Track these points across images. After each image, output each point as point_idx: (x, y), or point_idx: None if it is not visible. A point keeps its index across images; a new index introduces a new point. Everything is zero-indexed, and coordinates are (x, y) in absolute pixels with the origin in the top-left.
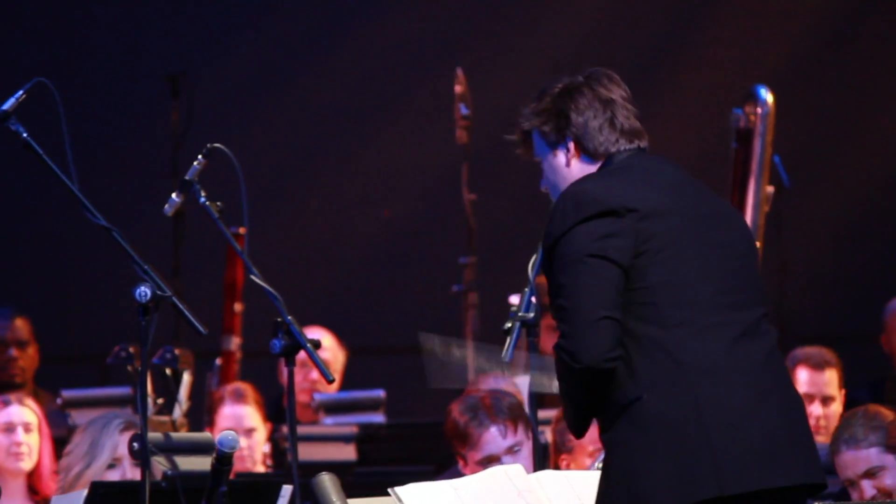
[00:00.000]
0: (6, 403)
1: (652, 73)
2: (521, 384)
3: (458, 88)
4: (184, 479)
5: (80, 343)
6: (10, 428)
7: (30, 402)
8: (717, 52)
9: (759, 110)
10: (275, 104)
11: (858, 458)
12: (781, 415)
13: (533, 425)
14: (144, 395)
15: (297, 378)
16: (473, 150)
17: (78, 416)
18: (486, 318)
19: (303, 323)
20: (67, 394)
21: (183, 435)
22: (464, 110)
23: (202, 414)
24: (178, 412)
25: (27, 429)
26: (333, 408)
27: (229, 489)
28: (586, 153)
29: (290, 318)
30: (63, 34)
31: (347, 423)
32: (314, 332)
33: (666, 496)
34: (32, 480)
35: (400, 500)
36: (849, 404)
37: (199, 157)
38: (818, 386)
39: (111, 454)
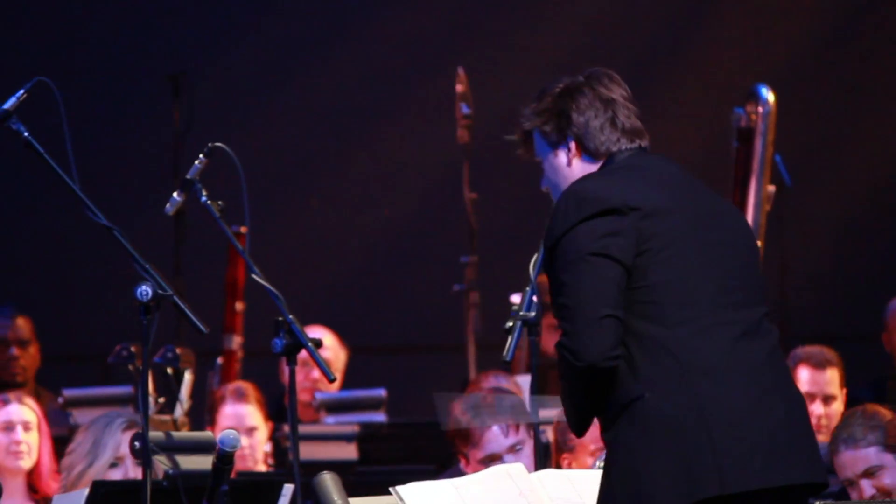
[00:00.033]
0: (5, 402)
1: (653, 72)
2: (523, 383)
3: (459, 87)
4: (185, 479)
5: (81, 342)
6: (9, 426)
7: (29, 400)
8: (718, 52)
9: (760, 109)
10: (276, 103)
11: (857, 458)
12: (783, 414)
13: (534, 424)
14: (146, 395)
15: (299, 377)
16: (474, 149)
17: (79, 415)
18: (487, 317)
19: (304, 322)
20: (69, 393)
21: (184, 434)
22: (465, 109)
23: (203, 413)
24: (180, 411)
25: (26, 427)
26: (335, 407)
27: (230, 488)
28: (587, 153)
29: (291, 317)
30: (64, 33)
31: (349, 422)
32: (315, 331)
33: (667, 495)
34: (32, 479)
35: (401, 499)
36: (850, 403)
37: (201, 156)
38: (819, 385)
39: (114, 453)
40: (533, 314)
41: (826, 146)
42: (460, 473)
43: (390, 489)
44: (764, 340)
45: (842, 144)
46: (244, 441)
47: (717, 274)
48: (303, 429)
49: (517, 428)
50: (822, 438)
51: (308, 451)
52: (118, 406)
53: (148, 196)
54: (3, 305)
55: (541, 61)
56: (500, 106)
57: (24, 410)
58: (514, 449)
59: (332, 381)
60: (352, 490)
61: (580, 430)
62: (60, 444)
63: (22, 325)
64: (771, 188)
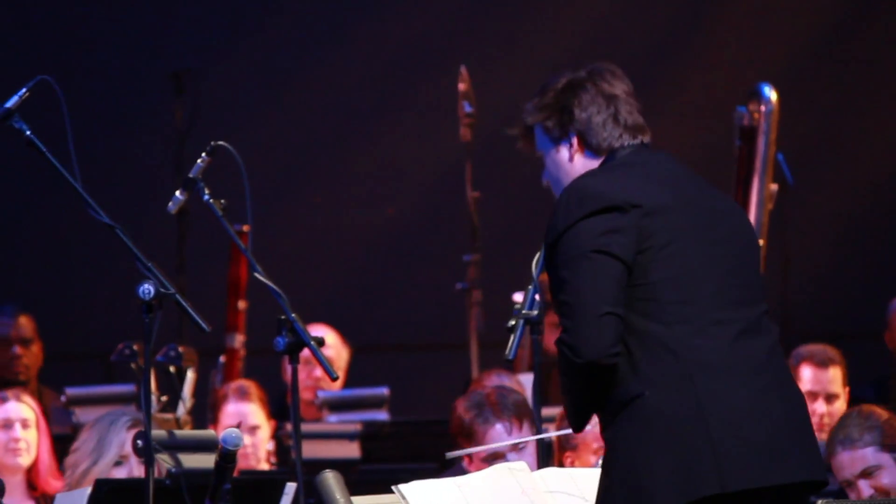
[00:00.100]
0: (3, 400)
1: (655, 71)
2: (525, 381)
3: (461, 86)
4: (188, 477)
5: (83, 340)
6: (7, 424)
7: (27, 398)
8: (720, 51)
9: (762, 108)
10: (279, 102)
11: (854, 458)
12: (783, 412)
13: (537, 423)
14: (148, 393)
15: (301, 375)
16: (477, 147)
17: (82, 414)
18: (489, 315)
19: (306, 320)
20: (71, 391)
21: (187, 432)
22: (467, 108)
23: (206, 411)
24: (182, 410)
25: (25, 425)
26: (337, 405)
27: (233, 487)
28: (589, 148)
29: (293, 315)
30: (66, 31)
31: (351, 421)
32: (318, 330)
33: (667, 493)
34: (31, 476)
35: (404, 497)
36: (853, 402)
37: (203, 154)
38: (822, 383)
39: (118, 451)
40: (535, 312)
41: (828, 145)
42: (463, 472)
43: (393, 488)
44: (764, 339)
45: (844, 143)
46: (247, 439)
47: (717, 272)
48: (305, 427)
49: (521, 426)
50: (824, 437)
51: (310, 450)
52: (121, 404)
53: (150, 194)
54: (5, 304)
55: (544, 59)
56: (503, 104)
57: (23, 408)
58: (517, 447)
59: (334, 379)
60: (354, 489)
61: (578, 426)
62: (63, 442)
63: (24, 323)
64: (773, 187)
